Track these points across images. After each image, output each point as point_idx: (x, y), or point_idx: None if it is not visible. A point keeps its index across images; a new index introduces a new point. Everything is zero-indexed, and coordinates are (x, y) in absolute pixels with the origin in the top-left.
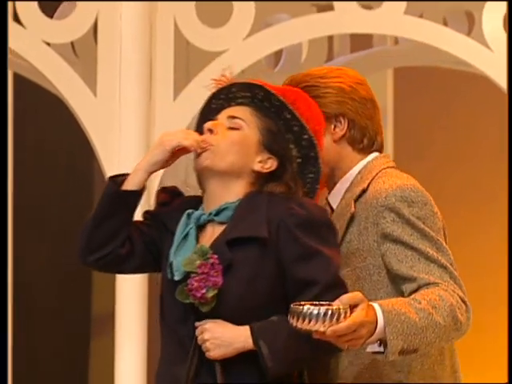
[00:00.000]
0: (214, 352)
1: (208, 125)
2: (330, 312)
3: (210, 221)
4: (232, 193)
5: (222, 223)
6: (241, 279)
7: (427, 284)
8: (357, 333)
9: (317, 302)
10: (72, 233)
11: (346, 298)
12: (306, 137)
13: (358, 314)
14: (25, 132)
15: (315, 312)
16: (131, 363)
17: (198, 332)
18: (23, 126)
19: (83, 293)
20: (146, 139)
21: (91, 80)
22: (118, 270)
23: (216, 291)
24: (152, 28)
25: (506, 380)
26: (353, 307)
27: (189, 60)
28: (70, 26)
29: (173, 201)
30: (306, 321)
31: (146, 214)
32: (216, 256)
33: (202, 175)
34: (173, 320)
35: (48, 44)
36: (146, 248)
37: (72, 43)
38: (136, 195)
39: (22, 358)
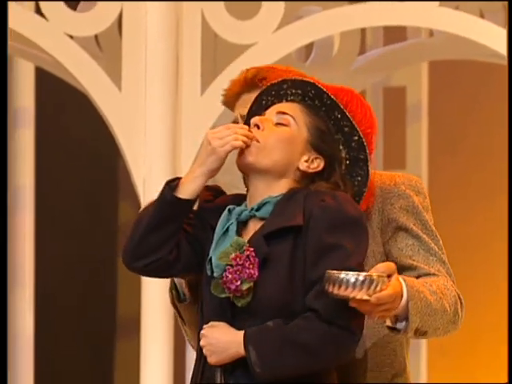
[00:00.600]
0: (211, 358)
1: (255, 120)
2: (372, 279)
3: (251, 217)
4: (275, 191)
5: (262, 219)
6: (277, 273)
7: (428, 274)
8: (392, 303)
9: (350, 272)
10: (97, 232)
11: (382, 267)
12: (355, 138)
13: (396, 284)
14: (47, 128)
15: (360, 279)
16: (157, 367)
17: (200, 336)
18: (46, 122)
19: (108, 295)
20: (172, 135)
21: (116, 74)
22: (164, 276)
23: (251, 284)
24: (179, 20)
25: (506, 380)
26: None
27: (216, 53)
28: (94, 18)
29: (215, 199)
30: (348, 288)
31: (190, 212)
32: (252, 249)
33: (245, 172)
34: (209, 317)
35: (71, 37)
36: (191, 249)
37: (96, 36)
38: (192, 204)
39: (46, 361)
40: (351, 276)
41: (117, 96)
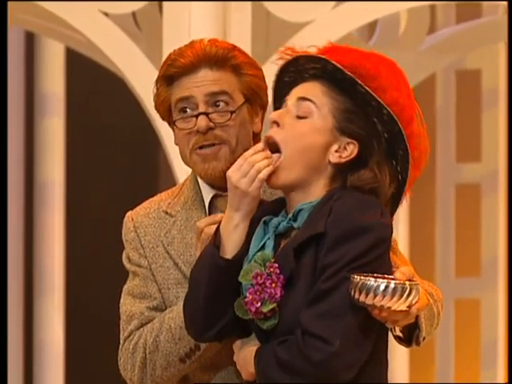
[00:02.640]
0: (243, 374)
1: (273, 116)
2: (405, 287)
3: (291, 228)
4: (311, 196)
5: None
6: (300, 291)
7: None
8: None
9: (375, 275)
10: None
11: (407, 271)
12: (385, 112)
13: (423, 293)
14: (79, 116)
15: (391, 286)
16: None
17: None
18: (77, 109)
19: None
20: None
21: (156, 56)
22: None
23: (274, 305)
24: None
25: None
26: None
27: (269, 33)
28: None
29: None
30: (377, 296)
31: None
32: (276, 265)
33: (273, 188)
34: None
35: (106, 14)
36: None
37: (134, 14)
38: (243, 258)
39: (77, 367)
40: (381, 283)
41: None
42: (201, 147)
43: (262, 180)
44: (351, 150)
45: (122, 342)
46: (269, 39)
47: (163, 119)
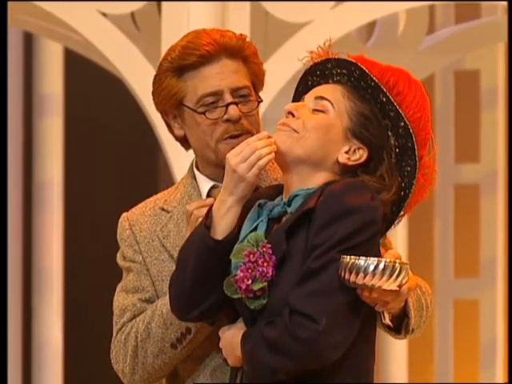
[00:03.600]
0: (228, 360)
1: (289, 107)
2: (395, 267)
3: (285, 213)
4: (309, 183)
5: None
6: (292, 272)
7: None
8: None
9: (371, 258)
10: None
11: (396, 253)
12: (402, 124)
13: (412, 275)
14: (78, 117)
15: (381, 266)
16: None
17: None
18: (76, 110)
19: None
20: None
21: (154, 56)
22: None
23: (264, 284)
24: None
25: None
26: None
27: (267, 33)
28: None
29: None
30: (367, 275)
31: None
32: (269, 245)
33: (278, 163)
34: (228, 320)
35: (104, 15)
36: None
37: (132, 14)
38: (234, 241)
39: (75, 367)
40: (371, 262)
41: None
42: (232, 137)
43: (262, 167)
44: (360, 154)
45: (114, 334)
46: (267, 39)
47: (165, 113)
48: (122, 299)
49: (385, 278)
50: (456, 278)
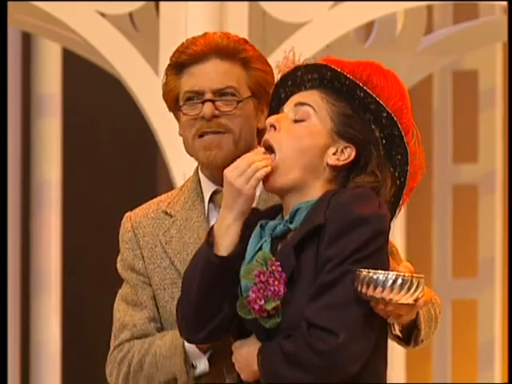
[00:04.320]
0: (241, 375)
1: (270, 120)
2: (411, 281)
3: (288, 230)
4: (310, 196)
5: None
6: (304, 287)
7: None
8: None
9: (385, 272)
10: None
11: (409, 265)
12: (385, 114)
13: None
14: (76, 117)
15: (399, 281)
16: None
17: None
18: (74, 110)
19: None
20: None
21: (152, 56)
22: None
23: (277, 303)
24: None
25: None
26: None
27: (265, 33)
28: None
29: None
30: (385, 290)
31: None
32: (278, 263)
33: (269, 192)
34: (241, 339)
35: (103, 15)
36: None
37: (130, 14)
38: (238, 258)
39: (73, 367)
40: (390, 277)
41: (154, 81)
42: (204, 134)
43: (259, 179)
44: (349, 153)
45: (111, 348)
46: (266, 40)
47: (170, 110)
48: (122, 312)
49: (402, 292)
50: (454, 278)
